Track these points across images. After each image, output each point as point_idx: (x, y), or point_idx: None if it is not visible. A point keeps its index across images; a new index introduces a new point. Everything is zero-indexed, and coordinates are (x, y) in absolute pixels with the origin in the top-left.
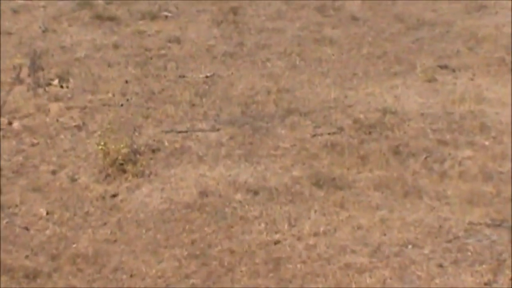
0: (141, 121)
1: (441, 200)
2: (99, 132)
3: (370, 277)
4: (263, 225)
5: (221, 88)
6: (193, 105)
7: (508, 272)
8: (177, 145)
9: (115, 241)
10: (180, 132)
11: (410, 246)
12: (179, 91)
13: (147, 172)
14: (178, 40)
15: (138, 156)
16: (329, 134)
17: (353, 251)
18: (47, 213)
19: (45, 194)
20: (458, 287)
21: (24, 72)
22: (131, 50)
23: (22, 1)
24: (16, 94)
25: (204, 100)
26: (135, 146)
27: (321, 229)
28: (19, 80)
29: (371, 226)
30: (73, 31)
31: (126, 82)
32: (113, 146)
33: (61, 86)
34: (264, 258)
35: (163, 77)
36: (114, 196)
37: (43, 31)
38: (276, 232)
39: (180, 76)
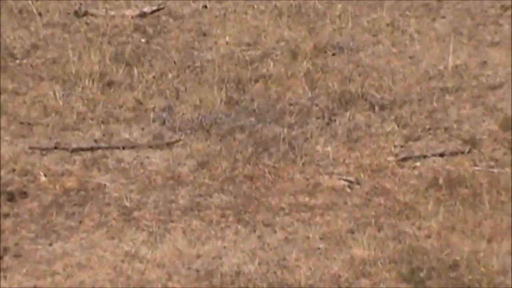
0: None
1: None
2: None
3: None
4: None
5: (177, 44)
6: (110, 84)
7: None
8: (70, 183)
9: None
10: (75, 150)
11: None
12: (76, 49)
13: None
14: None
15: None
16: (454, 166)
17: None
18: None
19: None
20: None
21: None
22: None
23: None
24: None
25: (136, 71)
26: None
27: None
28: None
29: None
30: None
31: None
32: None
33: None
34: None
35: (34, 15)
36: None
37: None
38: None
39: (77, 14)
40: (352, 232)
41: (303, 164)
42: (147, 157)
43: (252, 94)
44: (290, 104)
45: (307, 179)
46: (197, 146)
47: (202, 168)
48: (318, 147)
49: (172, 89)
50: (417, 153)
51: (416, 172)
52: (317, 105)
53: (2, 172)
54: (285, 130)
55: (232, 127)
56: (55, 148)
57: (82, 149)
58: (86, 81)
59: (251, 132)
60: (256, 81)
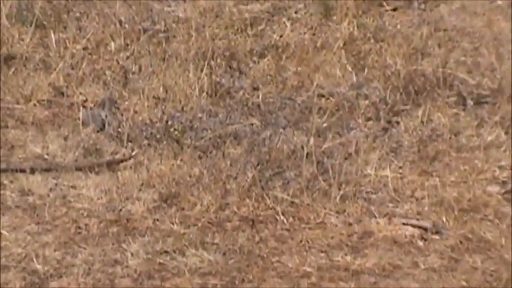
0: None
1: None
2: None
3: None
4: None
5: None
6: (9, 60)
7: None
8: None
9: None
10: None
11: None
12: None
13: None
14: None
15: None
16: None
17: None
18: None
19: None
20: None
21: None
22: None
23: None
24: None
25: (54, 38)
26: None
27: None
28: None
29: None
30: None
31: None
32: None
33: None
34: None
35: None
36: None
37: None
38: None
39: None
40: None
41: (343, 198)
42: (74, 187)
43: (255, 78)
44: (321, 96)
45: (349, 225)
46: (160, 167)
47: (169, 206)
48: (369, 170)
49: (117, 70)
50: None
51: None
52: (366, 97)
53: None
54: (311, 140)
55: (221, 136)
56: None
57: None
58: None
59: (252, 143)
60: (262, 55)
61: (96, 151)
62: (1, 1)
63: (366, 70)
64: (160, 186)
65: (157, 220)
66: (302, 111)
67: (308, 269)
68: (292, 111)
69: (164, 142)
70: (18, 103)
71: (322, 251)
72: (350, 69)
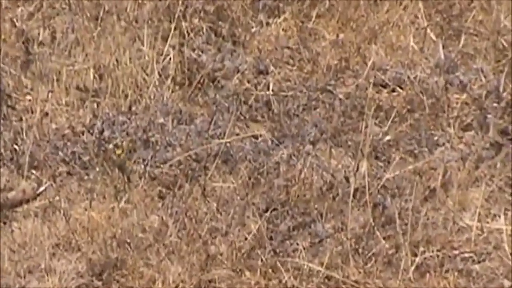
0: None
1: None
2: None
3: None
4: None
5: None
6: None
7: None
8: None
9: None
10: None
11: None
12: None
13: None
14: None
15: None
16: None
17: None
18: None
19: None
20: None
21: None
22: None
23: None
24: None
25: None
26: None
27: None
28: None
29: None
30: None
31: None
32: None
33: None
34: None
35: None
36: None
37: None
38: None
39: None
40: None
41: (420, 270)
42: None
43: (262, 53)
44: (381, 86)
45: None
46: (90, 215)
47: (106, 284)
48: (467, 219)
49: (12, 39)
50: None
51: None
52: (463, 87)
53: None
54: (363, 165)
55: (199, 158)
56: None
57: None
58: None
59: (257, 171)
60: (273, 12)
61: None
62: None
63: (462, 39)
64: (89, 249)
65: None
66: (346, 112)
67: None
68: (328, 113)
69: (97, 169)
70: None
71: None
72: (433, 36)
